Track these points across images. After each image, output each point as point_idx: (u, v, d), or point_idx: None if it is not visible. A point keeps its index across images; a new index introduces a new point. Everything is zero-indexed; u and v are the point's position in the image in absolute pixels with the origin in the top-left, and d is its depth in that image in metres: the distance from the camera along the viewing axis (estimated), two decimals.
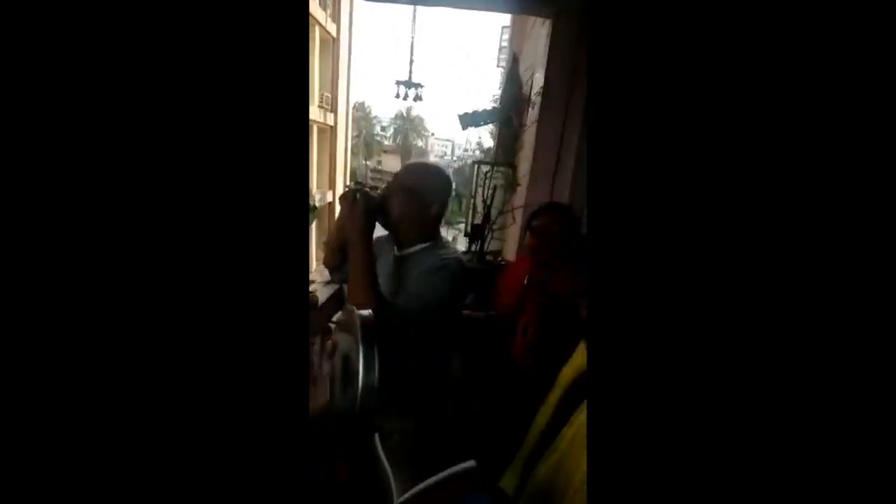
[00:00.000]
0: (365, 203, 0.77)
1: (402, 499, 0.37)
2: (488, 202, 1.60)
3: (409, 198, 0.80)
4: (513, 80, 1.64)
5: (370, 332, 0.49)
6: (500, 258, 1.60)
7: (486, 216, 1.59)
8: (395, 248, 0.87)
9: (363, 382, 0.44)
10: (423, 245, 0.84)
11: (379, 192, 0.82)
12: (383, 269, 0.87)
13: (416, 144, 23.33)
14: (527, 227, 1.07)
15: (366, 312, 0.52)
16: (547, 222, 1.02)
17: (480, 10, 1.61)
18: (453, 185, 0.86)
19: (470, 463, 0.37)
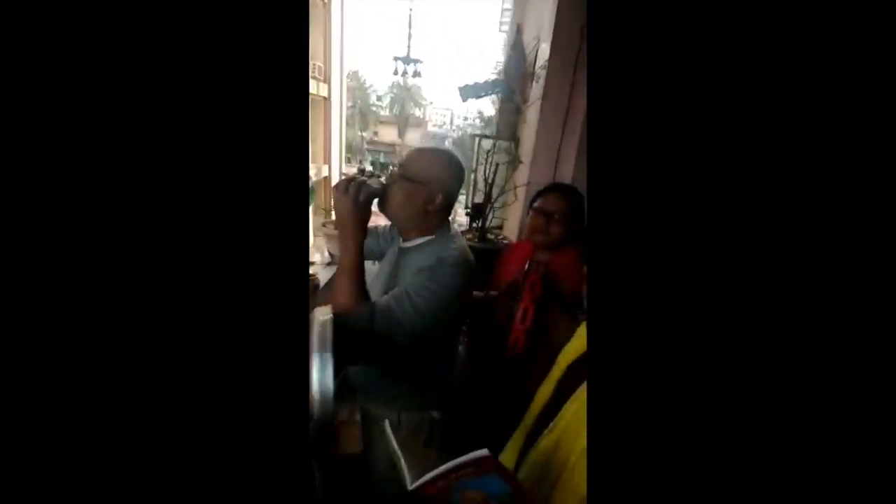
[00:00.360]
0: (356, 193, 0.70)
1: (414, 485, 0.39)
2: (490, 180, 1.58)
3: (409, 188, 0.74)
4: (517, 51, 1.58)
5: (324, 339, 0.46)
6: (501, 236, 1.60)
7: (488, 194, 1.57)
8: (400, 239, 0.83)
9: (317, 393, 0.42)
10: (426, 238, 0.78)
11: (382, 180, 0.77)
12: (390, 259, 0.85)
13: (413, 114, 22.66)
14: (529, 207, 1.04)
15: (323, 317, 0.49)
16: (550, 203, 0.99)
17: None
18: (465, 172, 0.80)
19: (483, 451, 0.39)
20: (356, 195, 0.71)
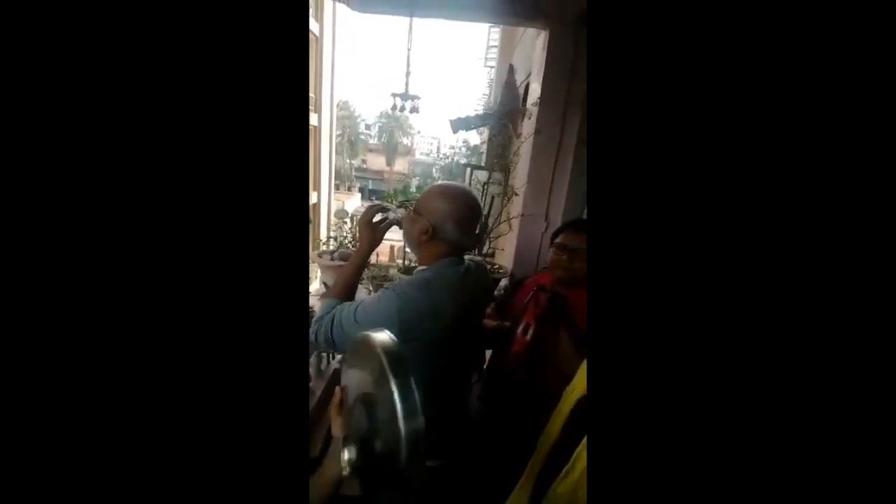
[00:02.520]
0: (367, 214, 0.81)
1: None
2: (486, 211, 1.60)
3: (411, 218, 0.80)
4: (510, 89, 1.65)
5: (400, 361, 0.36)
6: (496, 265, 1.61)
7: (484, 225, 1.59)
8: None
9: (406, 432, 0.31)
10: (421, 268, 0.81)
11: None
12: None
13: (401, 143, 23.15)
14: (551, 243, 1.02)
15: (385, 337, 0.40)
16: (573, 239, 0.97)
17: (473, 21, 1.61)
18: (472, 210, 0.80)
19: None
20: (366, 216, 0.83)
